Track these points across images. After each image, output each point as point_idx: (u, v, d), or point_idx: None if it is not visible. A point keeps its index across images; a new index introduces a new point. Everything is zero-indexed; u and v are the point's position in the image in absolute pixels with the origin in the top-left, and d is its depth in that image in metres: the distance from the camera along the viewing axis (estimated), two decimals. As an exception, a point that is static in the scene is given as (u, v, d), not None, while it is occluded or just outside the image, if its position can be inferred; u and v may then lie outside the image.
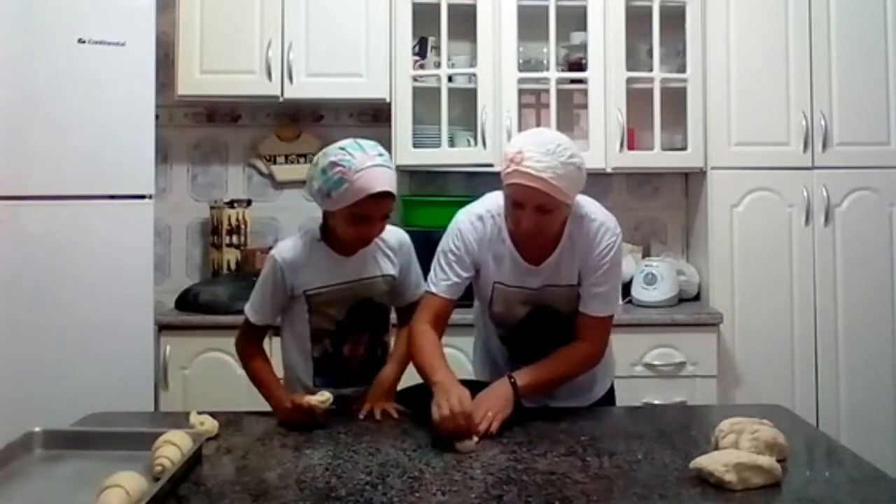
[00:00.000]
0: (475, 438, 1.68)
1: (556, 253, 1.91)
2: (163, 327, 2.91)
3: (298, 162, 3.48)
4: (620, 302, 2.30)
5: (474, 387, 1.90)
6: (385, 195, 1.79)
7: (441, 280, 1.93)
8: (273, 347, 2.01)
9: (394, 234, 2.00)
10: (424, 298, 1.97)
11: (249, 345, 1.97)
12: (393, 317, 2.09)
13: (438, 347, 1.91)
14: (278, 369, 2.00)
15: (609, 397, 2.16)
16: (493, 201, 1.96)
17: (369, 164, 1.77)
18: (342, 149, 1.80)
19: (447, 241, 1.95)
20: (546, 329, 1.97)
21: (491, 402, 1.81)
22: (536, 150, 1.73)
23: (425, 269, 2.05)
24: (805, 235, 3.15)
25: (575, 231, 1.90)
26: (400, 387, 2.03)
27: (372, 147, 1.83)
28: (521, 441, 1.71)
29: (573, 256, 1.91)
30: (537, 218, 1.79)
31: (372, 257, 1.95)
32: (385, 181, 1.79)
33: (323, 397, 1.78)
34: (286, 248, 1.94)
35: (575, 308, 1.95)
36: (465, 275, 1.94)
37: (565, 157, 1.75)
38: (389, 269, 1.98)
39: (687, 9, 3.18)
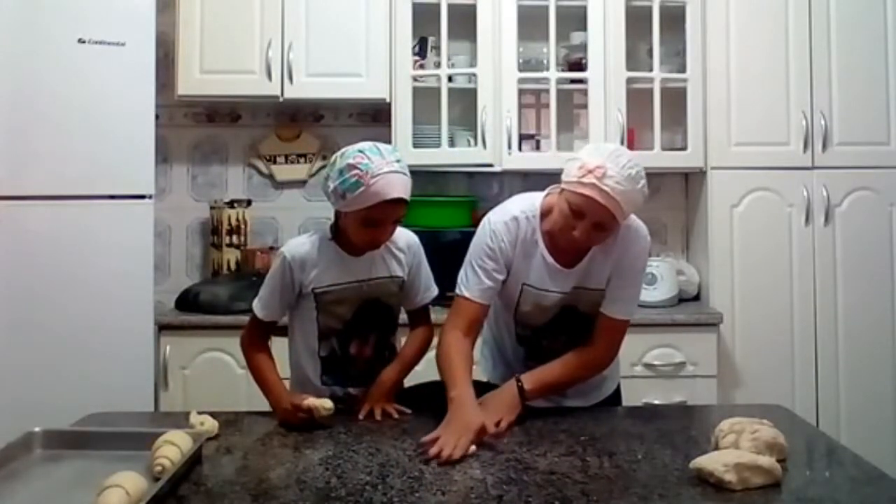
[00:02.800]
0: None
1: (588, 256, 1.91)
2: (163, 327, 2.90)
3: (298, 162, 3.48)
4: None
5: (483, 389, 1.91)
6: (399, 201, 1.80)
7: (474, 284, 1.90)
8: (278, 348, 2.01)
9: (403, 236, 1.99)
10: (457, 303, 1.92)
11: (254, 341, 1.97)
12: (403, 317, 2.08)
13: (466, 360, 1.85)
14: (283, 370, 2.00)
15: (616, 396, 2.17)
16: (527, 203, 1.94)
17: (386, 170, 1.78)
18: (361, 152, 1.80)
19: (481, 242, 1.92)
20: (570, 331, 1.97)
21: (497, 406, 1.81)
22: (619, 172, 1.73)
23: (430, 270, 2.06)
24: (805, 235, 3.15)
25: (610, 237, 1.89)
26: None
27: (390, 152, 1.83)
28: (521, 441, 1.71)
29: (606, 260, 1.91)
30: (591, 231, 1.79)
31: (381, 258, 1.95)
32: (400, 188, 1.80)
33: (327, 405, 1.78)
34: (296, 244, 1.94)
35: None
36: (499, 278, 1.91)
37: (640, 185, 1.78)
38: (398, 270, 1.98)
39: (687, 9, 3.19)
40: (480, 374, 2.19)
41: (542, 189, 1.98)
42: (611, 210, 1.75)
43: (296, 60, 3.13)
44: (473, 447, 1.64)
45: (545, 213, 1.91)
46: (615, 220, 1.79)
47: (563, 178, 1.82)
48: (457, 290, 1.93)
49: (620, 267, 1.91)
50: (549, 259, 1.91)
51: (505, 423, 1.78)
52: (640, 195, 1.80)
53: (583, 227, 1.78)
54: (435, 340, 2.05)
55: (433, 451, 1.60)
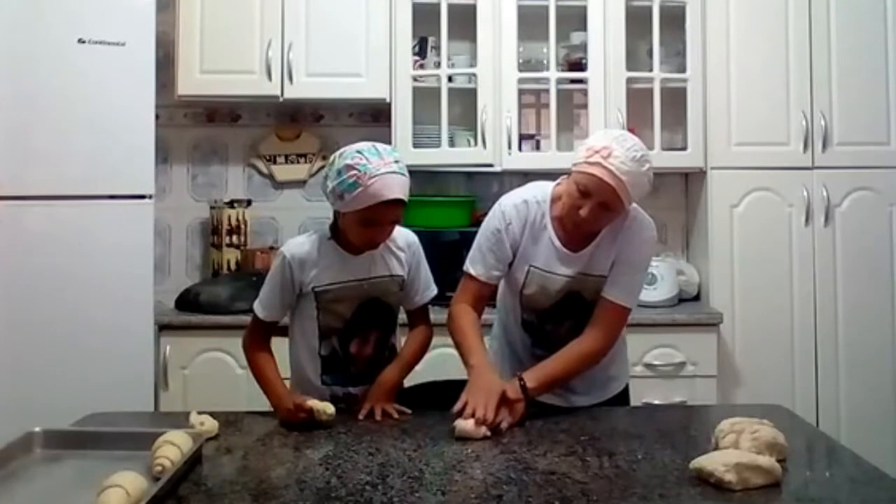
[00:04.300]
0: (485, 430, 1.71)
1: (594, 242, 1.94)
2: (163, 327, 2.90)
3: (298, 162, 3.48)
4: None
5: None
6: (397, 202, 1.81)
7: (481, 265, 1.97)
8: (278, 348, 2.01)
9: (403, 235, 2.00)
10: (464, 280, 2.00)
11: (256, 341, 1.97)
12: (402, 317, 2.08)
13: (477, 327, 1.95)
14: (284, 370, 2.00)
15: (624, 395, 2.18)
16: (539, 190, 2.00)
17: (384, 171, 1.78)
18: (359, 152, 1.81)
19: (491, 224, 1.98)
20: (573, 316, 1.98)
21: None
22: (624, 153, 1.79)
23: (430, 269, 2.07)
24: (805, 235, 3.15)
25: (616, 223, 1.93)
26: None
27: (388, 153, 1.83)
28: (521, 441, 1.71)
29: (611, 247, 1.94)
30: (597, 211, 1.83)
31: (381, 257, 1.95)
32: (398, 189, 1.80)
33: (329, 410, 1.79)
34: (296, 244, 1.95)
35: None
36: (506, 259, 1.96)
37: (645, 168, 1.83)
38: (398, 269, 1.98)
39: (687, 9, 3.19)
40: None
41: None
42: (615, 189, 1.79)
43: (296, 60, 3.13)
44: (489, 432, 1.70)
45: (555, 200, 1.96)
46: (620, 201, 1.82)
47: (572, 162, 1.87)
48: (465, 268, 2.00)
49: (623, 254, 1.94)
50: (557, 242, 1.94)
51: (508, 421, 1.78)
52: (644, 178, 1.84)
53: (589, 207, 1.82)
54: (436, 340, 2.06)
55: (468, 412, 1.70)
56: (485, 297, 2.00)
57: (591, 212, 1.82)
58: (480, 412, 1.70)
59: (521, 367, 1.95)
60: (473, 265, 1.98)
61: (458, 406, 1.74)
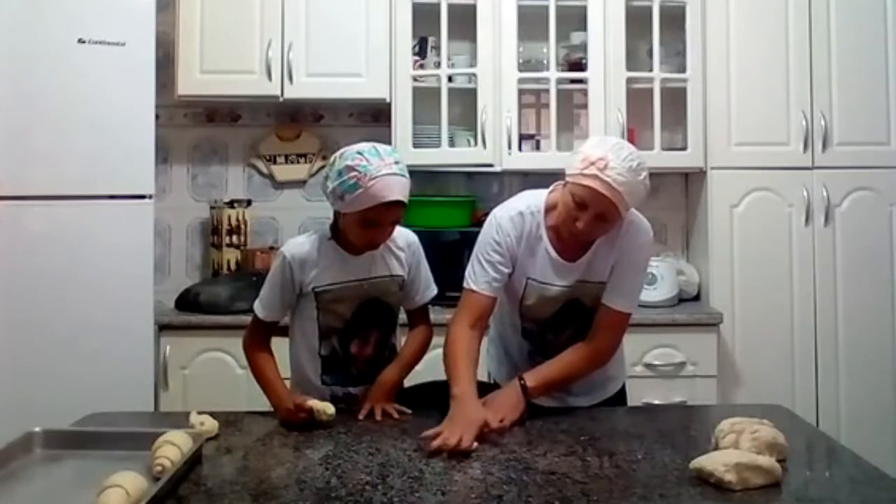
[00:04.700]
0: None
1: (591, 250, 1.93)
2: (163, 327, 2.90)
3: (298, 162, 3.48)
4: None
5: (487, 389, 1.92)
6: (397, 203, 1.81)
7: (481, 278, 1.93)
8: (278, 348, 2.01)
9: (403, 235, 2.00)
10: (465, 296, 1.95)
11: (256, 341, 1.97)
12: (402, 317, 2.08)
13: (469, 354, 1.87)
14: (284, 370, 2.00)
15: (621, 395, 2.18)
16: (532, 199, 1.97)
17: (384, 172, 1.78)
18: (360, 153, 1.81)
19: (487, 237, 1.95)
20: (574, 324, 1.98)
21: (500, 406, 1.82)
22: (621, 164, 1.76)
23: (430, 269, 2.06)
24: (805, 235, 3.15)
25: (613, 229, 1.91)
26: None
27: (389, 154, 1.83)
28: (521, 441, 1.71)
29: (608, 253, 1.92)
30: (593, 223, 1.81)
31: (381, 257, 1.95)
32: (398, 190, 1.80)
33: (329, 410, 1.79)
34: (296, 244, 1.95)
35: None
36: (505, 271, 1.93)
37: (642, 177, 1.81)
38: (398, 269, 1.98)
39: (687, 9, 3.19)
40: (486, 373, 2.19)
41: (543, 188, 2.00)
42: (613, 201, 1.77)
43: (296, 60, 3.13)
44: (476, 444, 1.65)
45: (549, 209, 1.93)
46: (617, 212, 1.80)
47: (567, 171, 1.84)
48: (464, 284, 1.96)
49: (622, 259, 1.93)
50: (553, 254, 1.92)
51: (507, 421, 1.78)
52: (641, 187, 1.82)
53: (586, 219, 1.80)
54: (435, 340, 2.06)
55: (435, 443, 1.62)
56: (487, 313, 1.95)
57: (589, 224, 1.80)
58: (453, 442, 1.61)
59: (518, 373, 1.93)
60: (475, 280, 1.93)
61: (430, 433, 1.66)
